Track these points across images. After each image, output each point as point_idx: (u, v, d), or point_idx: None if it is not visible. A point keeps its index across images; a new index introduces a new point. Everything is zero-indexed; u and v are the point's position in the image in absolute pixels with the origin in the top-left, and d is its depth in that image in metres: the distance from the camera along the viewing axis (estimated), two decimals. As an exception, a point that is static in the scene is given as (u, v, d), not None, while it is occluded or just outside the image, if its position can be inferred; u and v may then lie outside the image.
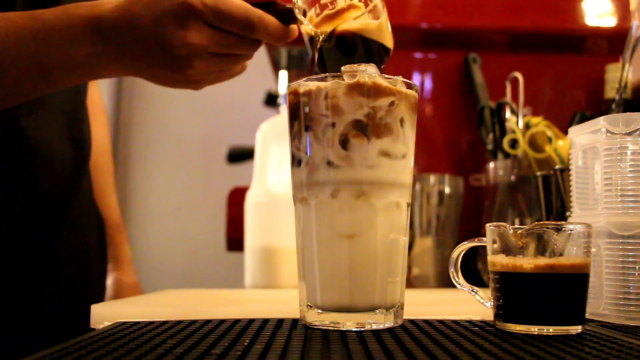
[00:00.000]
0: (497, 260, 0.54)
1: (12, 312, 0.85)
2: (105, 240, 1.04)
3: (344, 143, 0.53)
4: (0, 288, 0.83)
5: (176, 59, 0.66)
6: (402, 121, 0.54)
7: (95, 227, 0.99)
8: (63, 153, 0.86)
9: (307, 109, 0.54)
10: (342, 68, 0.55)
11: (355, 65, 0.54)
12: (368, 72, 0.54)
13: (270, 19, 0.67)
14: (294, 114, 0.56)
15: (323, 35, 0.64)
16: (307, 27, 0.66)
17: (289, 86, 0.57)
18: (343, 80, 0.53)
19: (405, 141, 0.55)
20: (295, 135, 0.56)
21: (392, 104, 0.53)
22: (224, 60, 0.68)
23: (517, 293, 0.52)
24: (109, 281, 1.07)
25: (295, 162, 0.56)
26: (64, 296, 0.87)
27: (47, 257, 0.88)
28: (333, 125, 0.53)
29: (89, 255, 0.97)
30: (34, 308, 0.87)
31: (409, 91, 0.55)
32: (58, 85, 0.72)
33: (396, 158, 0.54)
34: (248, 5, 0.65)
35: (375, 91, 0.53)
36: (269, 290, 1.02)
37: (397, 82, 0.54)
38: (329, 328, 0.53)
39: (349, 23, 0.62)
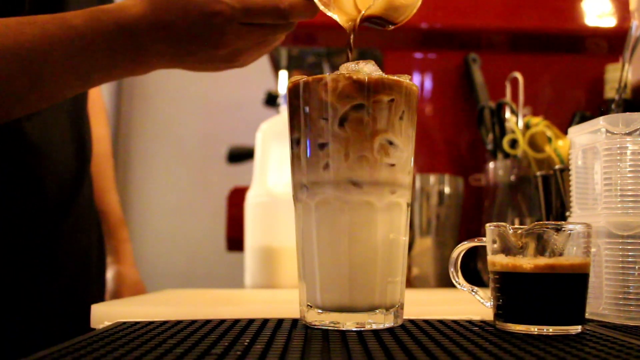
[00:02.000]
0: (497, 260, 0.54)
1: (13, 312, 0.85)
2: (104, 240, 1.04)
3: (344, 142, 0.53)
4: (1, 287, 0.83)
5: (220, 57, 0.68)
6: (401, 119, 0.54)
7: (95, 226, 0.99)
8: (66, 153, 0.86)
9: (307, 109, 0.54)
10: (341, 66, 0.55)
11: (354, 62, 0.54)
12: (367, 69, 0.54)
13: (298, 1, 0.66)
14: (294, 113, 0.56)
15: (353, 22, 0.63)
16: (336, 14, 0.65)
17: (288, 84, 0.57)
18: (342, 77, 0.53)
19: (405, 140, 0.55)
20: (295, 135, 0.56)
21: (391, 101, 0.53)
22: (263, 32, 0.67)
23: (517, 293, 0.52)
24: (110, 274, 1.07)
25: (295, 161, 0.56)
26: (64, 296, 0.87)
27: (48, 257, 0.88)
28: (333, 123, 0.53)
29: (90, 254, 0.97)
30: (35, 307, 0.87)
31: (408, 89, 0.54)
32: (95, 85, 0.74)
33: (396, 158, 0.54)
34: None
35: (374, 88, 0.53)
36: (269, 290, 1.02)
37: (398, 80, 0.54)
38: (329, 328, 0.53)
39: (374, 5, 0.61)
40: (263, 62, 1.53)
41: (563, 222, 0.58)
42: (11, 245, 0.84)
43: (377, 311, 0.53)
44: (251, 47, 0.69)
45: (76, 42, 0.66)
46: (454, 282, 0.59)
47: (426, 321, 0.58)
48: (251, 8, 0.65)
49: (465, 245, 0.58)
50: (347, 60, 0.57)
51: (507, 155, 1.03)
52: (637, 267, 0.58)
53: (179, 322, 0.57)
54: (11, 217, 0.84)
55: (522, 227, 0.53)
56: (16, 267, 0.84)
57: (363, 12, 0.62)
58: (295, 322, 0.57)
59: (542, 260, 0.51)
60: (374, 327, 0.53)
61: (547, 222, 0.53)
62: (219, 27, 0.65)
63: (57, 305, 0.86)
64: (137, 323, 0.57)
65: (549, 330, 0.51)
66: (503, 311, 0.53)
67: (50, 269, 0.88)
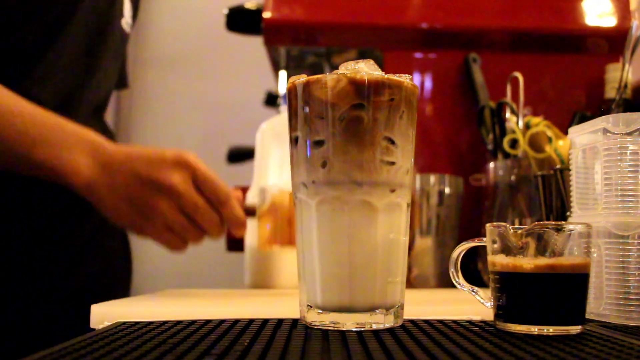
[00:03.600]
0: (497, 260, 0.54)
1: (29, 311, 0.85)
2: (130, 244, 1.05)
3: (344, 141, 0.53)
4: (14, 288, 0.84)
5: (149, 190, 0.76)
6: (401, 119, 0.54)
7: (119, 231, 0.99)
8: None
9: (306, 109, 0.54)
10: (341, 65, 0.54)
11: (354, 62, 0.54)
12: (367, 69, 0.54)
13: (239, 207, 0.81)
14: (294, 113, 0.56)
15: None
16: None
17: (288, 84, 0.57)
18: (342, 77, 0.53)
19: (405, 140, 0.54)
20: (295, 135, 0.56)
21: (391, 101, 0.53)
22: (183, 222, 0.78)
23: (517, 293, 0.52)
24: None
25: (295, 161, 0.56)
26: (86, 296, 0.87)
27: (68, 256, 0.89)
28: (333, 123, 0.53)
29: (113, 256, 0.98)
30: (53, 307, 0.87)
31: (408, 89, 0.54)
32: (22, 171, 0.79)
33: (396, 157, 0.54)
34: (229, 188, 0.80)
35: (374, 88, 0.53)
36: (269, 290, 1.02)
37: (398, 80, 0.54)
38: (329, 328, 0.53)
39: None
40: (263, 62, 1.53)
41: (563, 222, 0.58)
42: (31, 244, 0.84)
43: (377, 311, 0.53)
44: (170, 219, 0.78)
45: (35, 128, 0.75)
46: (454, 282, 0.59)
47: (426, 321, 0.58)
48: (209, 172, 0.78)
49: (465, 246, 0.58)
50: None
51: (507, 155, 1.03)
52: (637, 267, 0.58)
53: (179, 322, 0.57)
54: (34, 217, 0.85)
55: (522, 227, 0.53)
56: (35, 266, 0.85)
57: None
58: (295, 322, 0.57)
59: (543, 261, 0.51)
60: (374, 327, 0.53)
61: (547, 222, 0.53)
62: (175, 171, 0.77)
63: (77, 306, 0.87)
64: (137, 323, 0.57)
65: (549, 330, 0.51)
66: (503, 311, 0.53)
67: (69, 269, 0.89)
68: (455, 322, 0.58)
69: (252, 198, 1.13)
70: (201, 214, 0.77)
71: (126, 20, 1.00)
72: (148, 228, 0.78)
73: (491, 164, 1.05)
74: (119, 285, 1.01)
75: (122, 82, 1.14)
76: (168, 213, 0.77)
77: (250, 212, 0.86)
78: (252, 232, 0.89)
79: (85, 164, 0.75)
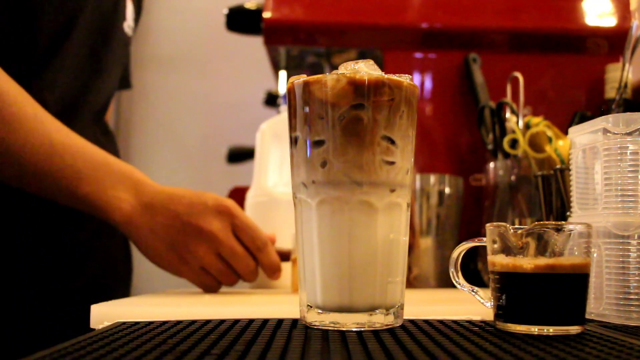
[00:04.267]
0: (497, 260, 0.54)
1: (30, 311, 0.85)
2: (130, 245, 1.06)
3: (344, 142, 0.53)
4: (15, 288, 0.84)
5: (189, 234, 0.78)
6: (401, 119, 0.54)
7: (119, 231, 1.00)
8: None
9: (306, 109, 0.54)
10: (341, 65, 0.54)
11: (353, 62, 0.54)
12: (367, 69, 0.54)
13: (274, 252, 0.84)
14: (294, 113, 0.56)
15: None
16: None
17: (288, 84, 0.57)
18: (342, 77, 0.53)
19: (405, 140, 0.54)
20: (294, 135, 0.56)
21: (391, 101, 0.53)
22: (219, 267, 0.81)
23: (517, 293, 0.52)
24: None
25: (295, 161, 0.56)
26: (87, 295, 0.88)
27: (68, 256, 0.89)
28: (333, 123, 0.53)
29: (114, 256, 0.99)
30: (52, 307, 0.87)
31: (408, 89, 0.54)
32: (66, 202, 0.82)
33: (396, 157, 0.54)
34: (265, 233, 0.83)
35: (374, 88, 0.53)
36: (269, 290, 1.02)
37: (398, 80, 0.54)
38: (329, 328, 0.53)
39: None
40: (263, 62, 1.53)
41: (563, 222, 0.58)
42: (32, 244, 0.84)
43: (377, 311, 0.53)
44: (206, 263, 0.80)
45: (86, 169, 0.77)
46: (454, 282, 0.59)
47: (426, 321, 0.58)
48: (248, 219, 0.81)
49: (465, 246, 0.58)
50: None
51: (507, 155, 1.02)
52: (637, 267, 0.58)
53: (179, 322, 0.57)
54: (35, 217, 0.85)
55: (522, 227, 0.53)
56: (36, 266, 0.85)
57: None
58: (295, 322, 0.57)
59: (543, 261, 0.51)
60: (374, 327, 0.53)
61: (547, 222, 0.53)
62: (215, 219, 0.79)
63: (77, 306, 0.87)
64: (137, 323, 0.57)
65: (549, 330, 0.51)
66: (503, 311, 0.53)
67: (69, 269, 0.89)
68: (455, 322, 0.58)
69: (251, 197, 1.13)
70: (238, 261, 0.80)
71: (128, 24, 1.00)
72: (184, 270, 0.81)
73: (491, 164, 1.05)
74: (119, 285, 1.01)
75: (125, 83, 1.15)
76: (206, 258, 0.79)
77: (285, 256, 0.89)
78: (286, 275, 0.92)
79: (127, 201, 0.77)
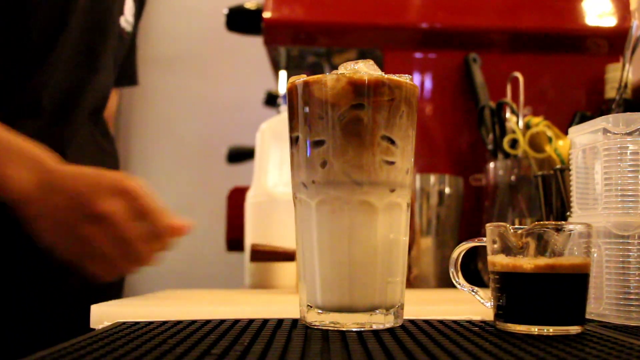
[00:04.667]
0: (497, 260, 0.54)
1: (22, 313, 0.85)
2: None
3: (344, 142, 0.53)
4: (8, 287, 0.84)
5: (85, 216, 0.71)
6: (401, 119, 0.54)
7: None
8: (94, 161, 0.88)
9: (306, 109, 0.54)
10: (341, 65, 0.54)
11: (353, 62, 0.54)
12: (367, 69, 0.54)
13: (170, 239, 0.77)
14: (294, 113, 0.56)
15: None
16: None
17: (288, 84, 0.57)
18: (342, 77, 0.53)
19: (405, 140, 0.54)
20: (294, 135, 0.56)
21: (391, 101, 0.53)
22: (112, 251, 0.73)
23: (517, 293, 0.52)
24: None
25: (295, 161, 0.56)
26: (80, 296, 0.87)
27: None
28: (333, 123, 0.53)
29: None
30: (44, 308, 0.87)
31: (408, 89, 0.54)
32: None
33: (396, 157, 0.54)
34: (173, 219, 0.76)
35: (374, 88, 0.52)
36: (268, 290, 1.02)
37: (398, 80, 0.54)
38: (329, 328, 0.53)
39: None
40: (263, 62, 1.53)
41: (563, 222, 0.58)
42: (32, 244, 0.84)
43: (377, 311, 0.53)
44: (99, 246, 0.73)
45: None
46: (454, 282, 0.59)
47: (426, 321, 0.58)
48: (149, 199, 0.74)
49: (465, 246, 0.58)
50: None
51: (507, 155, 1.03)
52: (637, 267, 0.58)
53: (179, 322, 0.57)
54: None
55: (522, 227, 0.53)
56: (36, 266, 0.85)
57: None
58: (295, 322, 0.57)
59: (543, 261, 0.51)
60: (374, 327, 0.53)
61: (547, 222, 0.53)
62: (112, 199, 0.72)
63: (77, 306, 0.87)
64: (136, 323, 0.57)
65: (549, 330, 0.51)
66: (503, 311, 0.53)
67: (69, 269, 0.89)
68: (455, 322, 0.58)
69: (251, 197, 1.14)
70: (130, 246, 0.73)
71: (126, 18, 0.99)
72: (79, 254, 0.75)
73: (491, 164, 1.05)
74: (115, 285, 1.01)
75: (132, 80, 1.14)
76: (99, 241, 0.73)
77: (288, 256, 0.90)
78: (290, 274, 0.92)
79: (27, 179, 0.71)
